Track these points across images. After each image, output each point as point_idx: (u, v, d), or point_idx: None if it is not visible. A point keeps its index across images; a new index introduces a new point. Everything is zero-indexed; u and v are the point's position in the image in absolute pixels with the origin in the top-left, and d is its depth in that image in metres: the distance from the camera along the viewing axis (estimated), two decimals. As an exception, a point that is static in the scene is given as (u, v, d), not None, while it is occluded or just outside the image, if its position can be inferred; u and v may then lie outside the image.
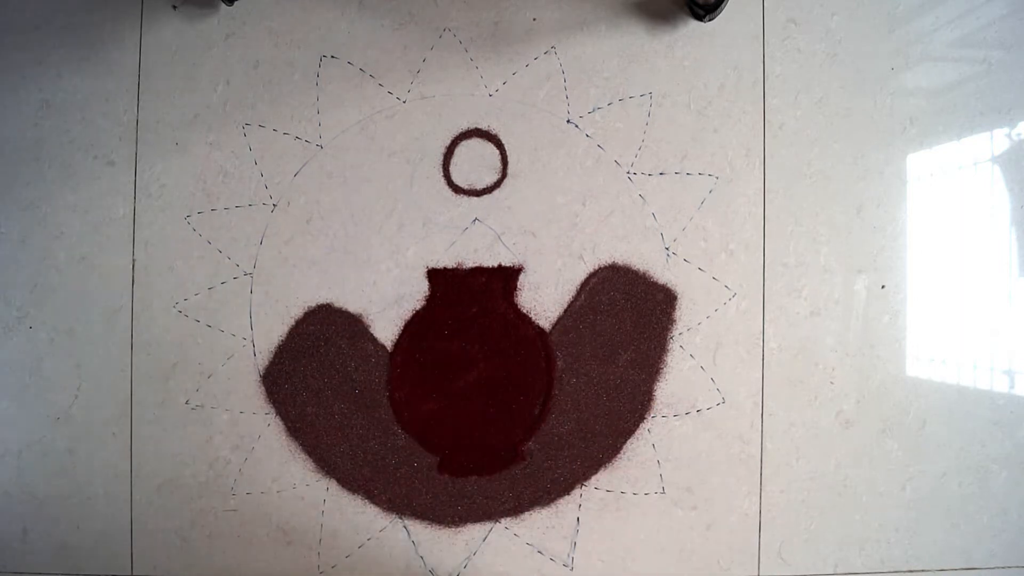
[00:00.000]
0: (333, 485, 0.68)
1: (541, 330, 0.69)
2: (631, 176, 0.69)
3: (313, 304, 0.68)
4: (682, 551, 0.69)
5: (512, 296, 0.69)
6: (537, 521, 0.69)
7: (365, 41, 0.69)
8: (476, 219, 0.69)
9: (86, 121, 0.69)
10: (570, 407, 0.69)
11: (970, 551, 0.70)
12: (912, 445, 0.70)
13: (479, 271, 0.69)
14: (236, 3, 0.68)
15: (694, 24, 0.69)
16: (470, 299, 0.68)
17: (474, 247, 0.69)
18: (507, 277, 0.69)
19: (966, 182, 0.70)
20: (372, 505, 0.69)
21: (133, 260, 0.69)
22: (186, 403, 0.68)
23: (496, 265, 0.69)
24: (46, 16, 0.69)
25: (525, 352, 0.69)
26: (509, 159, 0.69)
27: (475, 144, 0.69)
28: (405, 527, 0.69)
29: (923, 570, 0.70)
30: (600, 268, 0.69)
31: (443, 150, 0.69)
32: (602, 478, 0.69)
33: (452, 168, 0.69)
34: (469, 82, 0.69)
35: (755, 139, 0.69)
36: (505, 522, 0.68)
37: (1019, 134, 0.70)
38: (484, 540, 0.69)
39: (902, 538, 0.70)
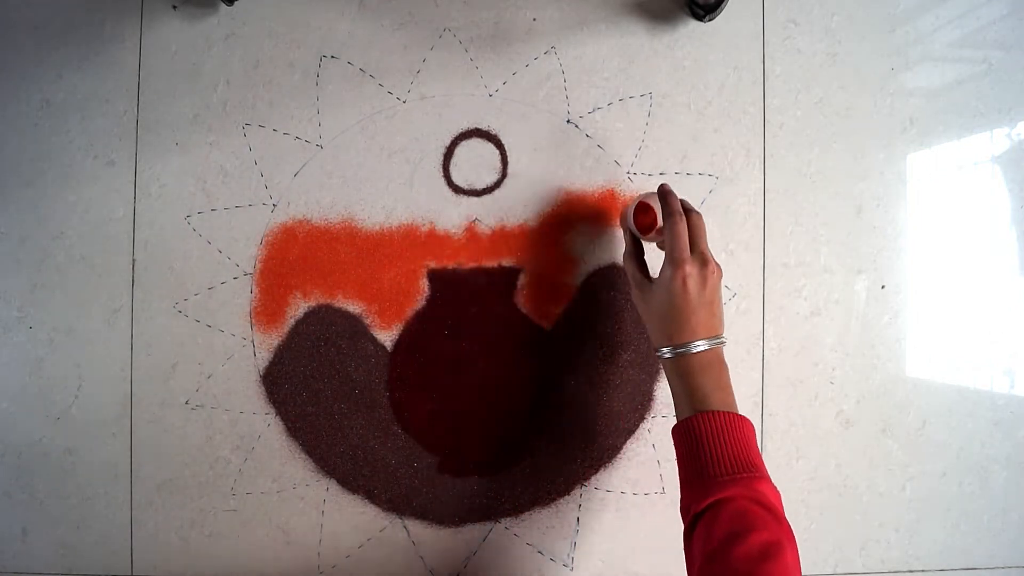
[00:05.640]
0: (333, 485, 0.68)
1: (541, 330, 0.69)
2: (631, 176, 0.69)
3: (313, 304, 0.68)
4: (682, 551, 0.69)
5: (512, 296, 0.69)
6: (537, 521, 0.69)
7: (365, 41, 0.69)
8: (476, 219, 0.69)
9: (86, 121, 0.69)
10: (570, 407, 0.69)
11: (970, 551, 0.70)
12: (912, 445, 0.70)
13: (479, 271, 0.69)
14: (236, 3, 0.68)
15: (694, 24, 0.69)
16: (470, 299, 0.68)
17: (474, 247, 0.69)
18: (507, 277, 0.69)
19: (966, 182, 0.70)
20: (372, 505, 0.69)
21: (133, 260, 0.69)
22: (186, 403, 0.68)
23: (496, 265, 0.69)
24: (46, 16, 0.69)
25: (525, 352, 0.69)
26: (509, 159, 0.69)
27: (475, 144, 0.69)
28: (405, 527, 0.69)
29: (923, 570, 0.70)
30: (600, 268, 0.69)
31: (443, 150, 0.69)
32: (602, 478, 0.69)
33: (452, 168, 0.69)
34: (469, 82, 0.69)
35: (755, 139, 0.69)
36: (505, 522, 0.68)
37: (1019, 134, 0.70)
38: (484, 540, 0.69)
39: (902, 538, 0.70)
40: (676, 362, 0.57)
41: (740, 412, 0.55)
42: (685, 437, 0.54)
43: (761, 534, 0.48)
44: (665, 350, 0.57)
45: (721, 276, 0.59)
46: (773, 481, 0.53)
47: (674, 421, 0.57)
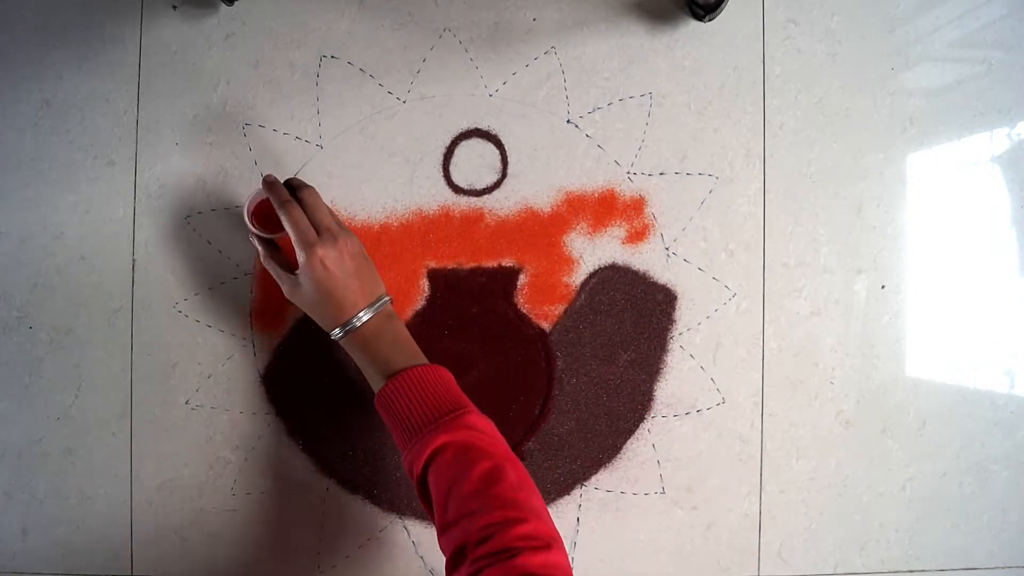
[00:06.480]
0: (333, 485, 0.68)
1: (541, 330, 0.69)
2: (631, 176, 0.69)
3: (313, 304, 0.68)
4: (682, 551, 0.69)
5: (512, 296, 0.69)
6: (537, 521, 0.68)
7: (365, 41, 0.69)
8: (476, 219, 0.69)
9: (86, 121, 0.69)
10: (570, 407, 0.69)
11: (970, 551, 0.70)
12: (912, 445, 0.70)
13: (479, 271, 0.69)
14: (236, 3, 0.68)
15: (694, 24, 0.69)
16: (470, 299, 0.68)
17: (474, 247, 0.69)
18: (507, 277, 0.69)
19: (966, 182, 0.70)
20: (372, 505, 0.69)
21: (133, 260, 0.69)
22: (186, 403, 0.68)
23: (496, 265, 0.69)
24: (46, 16, 0.69)
25: (525, 352, 0.69)
26: (509, 159, 0.69)
27: (475, 144, 0.69)
28: (405, 527, 0.69)
29: (923, 570, 0.70)
30: (600, 268, 0.69)
31: (443, 150, 0.69)
32: (602, 478, 0.69)
33: (452, 168, 0.69)
34: (469, 82, 0.69)
35: (755, 139, 0.69)
36: (505, 522, 0.68)
37: (1019, 134, 0.70)
38: (484, 540, 0.68)
39: (902, 538, 0.70)
40: (350, 339, 0.57)
41: (431, 363, 0.57)
42: (385, 406, 0.55)
43: (480, 465, 0.50)
44: (336, 331, 0.58)
45: (358, 241, 0.59)
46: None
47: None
